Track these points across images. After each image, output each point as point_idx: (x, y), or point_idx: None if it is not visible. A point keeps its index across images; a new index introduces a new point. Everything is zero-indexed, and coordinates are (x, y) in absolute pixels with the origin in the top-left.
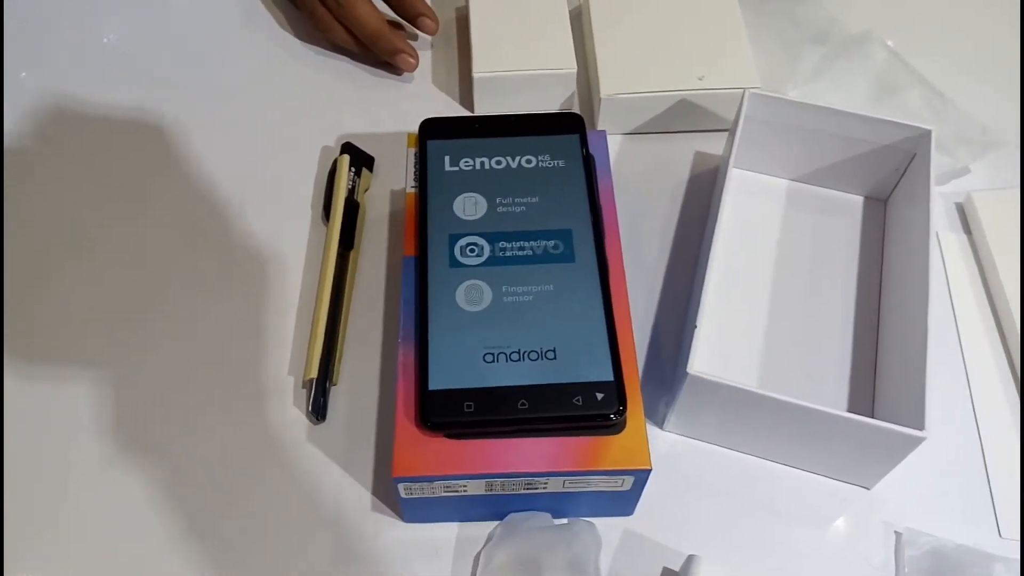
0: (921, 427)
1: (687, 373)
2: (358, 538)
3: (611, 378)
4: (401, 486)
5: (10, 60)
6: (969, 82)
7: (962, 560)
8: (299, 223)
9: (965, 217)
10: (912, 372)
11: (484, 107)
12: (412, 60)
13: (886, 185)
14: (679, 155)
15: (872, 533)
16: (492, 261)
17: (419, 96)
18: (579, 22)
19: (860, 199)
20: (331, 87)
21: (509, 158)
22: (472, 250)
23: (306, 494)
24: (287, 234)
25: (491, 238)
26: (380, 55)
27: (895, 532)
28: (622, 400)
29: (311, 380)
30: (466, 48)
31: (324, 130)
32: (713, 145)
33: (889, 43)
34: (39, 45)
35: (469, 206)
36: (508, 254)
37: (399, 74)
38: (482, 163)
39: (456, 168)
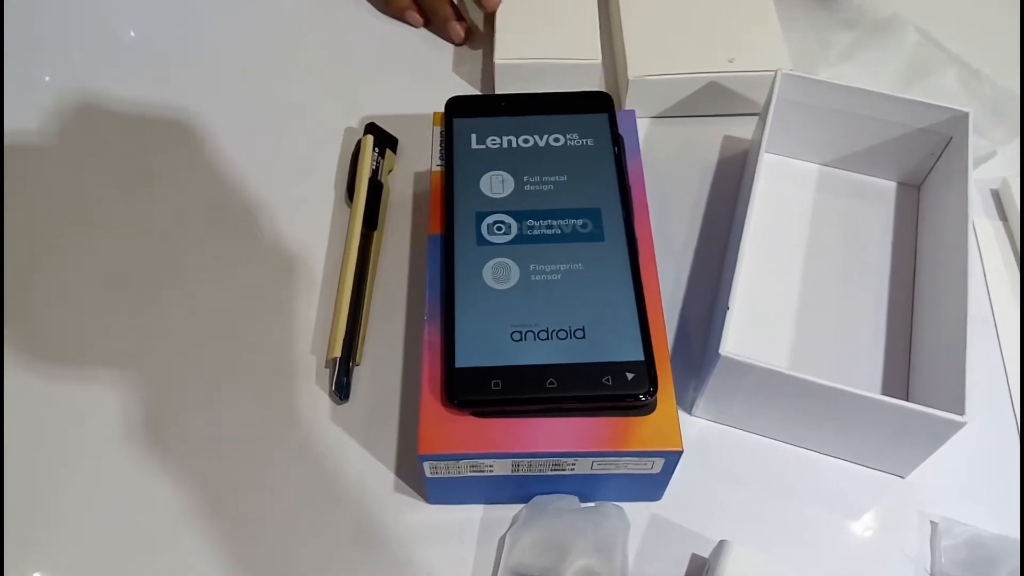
0: (961, 412)
1: (719, 355)
2: (381, 519)
3: (641, 358)
4: (427, 464)
5: (28, 50)
6: (1004, 58)
7: (1000, 550)
8: (323, 203)
9: (1000, 203)
10: (950, 357)
11: None
12: (460, 31)
13: (920, 170)
14: (707, 139)
15: (907, 522)
16: (520, 239)
17: (441, 82)
18: (606, 4)
19: (893, 184)
20: (355, 70)
21: (537, 136)
22: (499, 228)
23: (328, 474)
24: (311, 214)
25: (519, 216)
26: (435, 20)
27: (931, 522)
28: (653, 380)
29: (334, 359)
30: (490, 35)
31: (348, 112)
32: (742, 129)
33: (921, 26)
34: (56, 34)
35: (496, 184)
36: (536, 232)
37: (455, 41)
38: (509, 141)
39: (483, 146)
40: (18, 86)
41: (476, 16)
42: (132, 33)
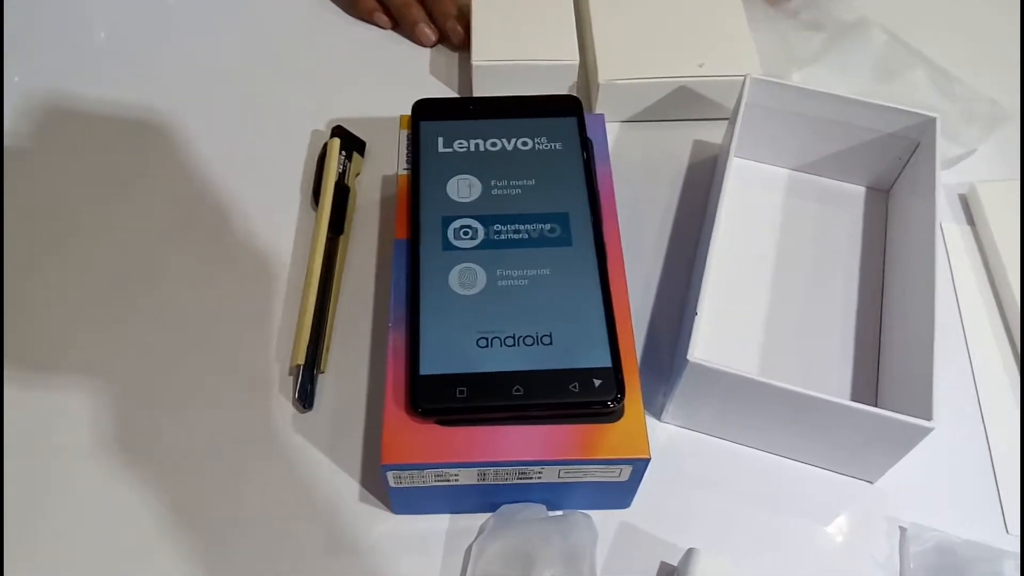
0: (929, 417)
1: (687, 360)
2: (347, 529)
3: (609, 364)
4: (390, 474)
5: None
6: (973, 59)
7: (969, 556)
8: (289, 207)
9: (968, 208)
10: (918, 362)
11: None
12: (429, 33)
13: (889, 175)
14: (677, 143)
15: (876, 528)
16: (486, 244)
17: (415, 84)
18: (578, 7)
19: (862, 189)
20: (324, 72)
21: (504, 140)
22: (466, 233)
23: (294, 484)
24: (276, 219)
25: (485, 221)
26: (402, 23)
27: (900, 527)
28: (620, 387)
29: (298, 367)
30: (466, 36)
31: (315, 114)
32: (712, 134)
33: (887, 27)
34: (26, 35)
35: (463, 188)
36: (503, 237)
37: (425, 44)
38: (477, 145)
39: (450, 150)
40: None
41: None
42: (103, 35)
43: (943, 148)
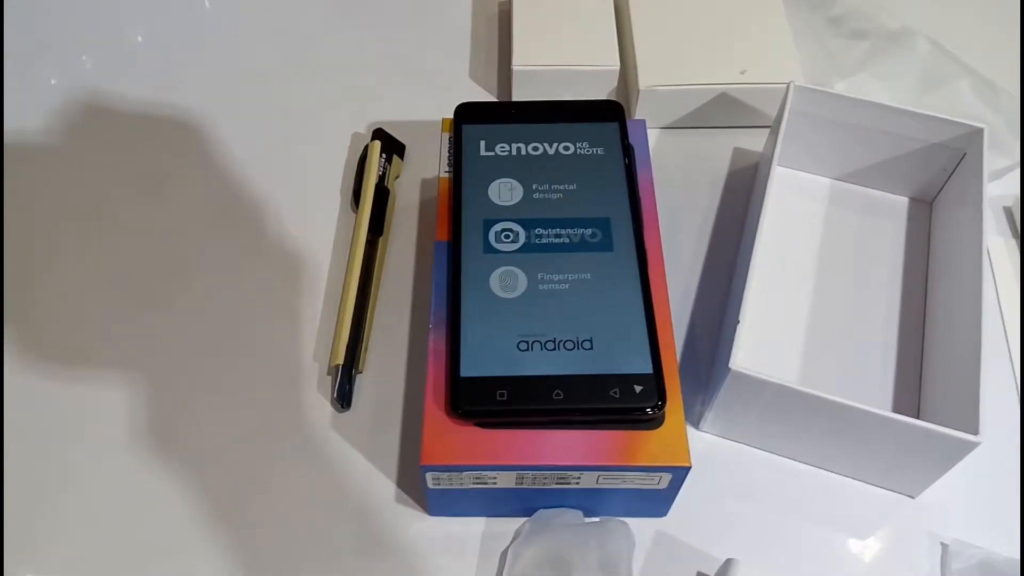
0: (975, 431)
1: (728, 369)
2: (381, 530)
3: (650, 370)
4: (429, 475)
5: (34, 53)
6: (1016, 70)
7: (1012, 574)
8: (328, 209)
9: (1013, 221)
10: (964, 376)
11: None
12: None
13: (933, 186)
14: (717, 151)
15: (917, 544)
16: (527, 248)
17: (455, 88)
18: (618, 13)
19: (905, 200)
20: (365, 76)
21: (546, 144)
22: (507, 236)
23: (329, 483)
24: (316, 219)
25: (527, 224)
26: None
27: (941, 543)
28: (661, 394)
29: (337, 367)
30: (507, 41)
31: (356, 117)
32: (752, 142)
33: (931, 36)
34: (63, 37)
35: (504, 192)
36: (544, 241)
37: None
38: (518, 149)
39: (492, 153)
40: (24, 89)
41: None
42: (140, 38)
43: (988, 160)
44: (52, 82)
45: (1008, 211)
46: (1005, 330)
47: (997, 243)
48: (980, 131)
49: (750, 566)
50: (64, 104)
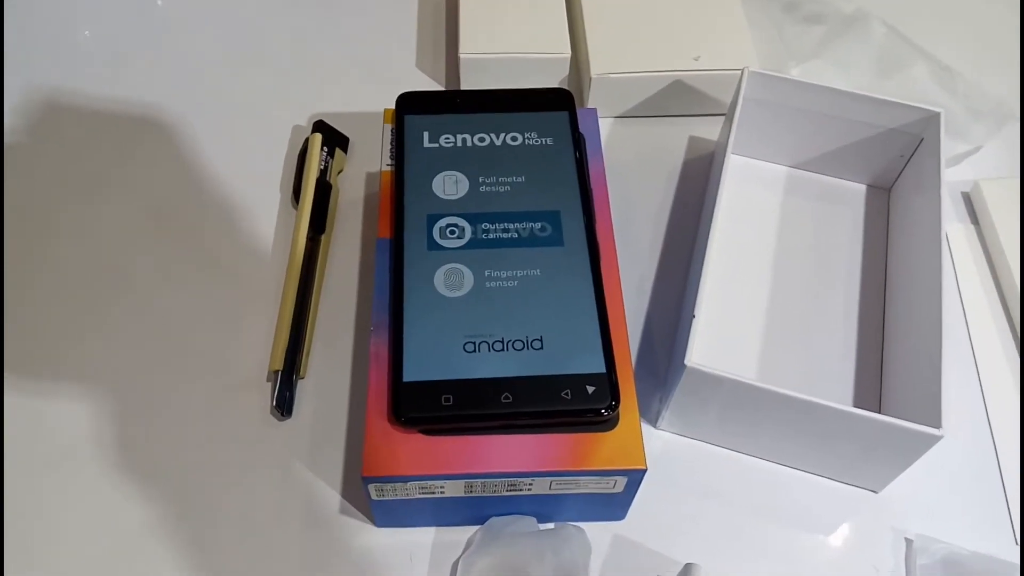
0: (937, 425)
1: (684, 365)
2: (327, 544)
3: (603, 370)
4: (371, 487)
5: None
6: (973, 54)
7: (977, 568)
8: (268, 206)
9: (972, 206)
10: (925, 368)
11: None
12: None
13: (890, 172)
14: (672, 140)
15: (881, 540)
16: (474, 244)
17: (401, 78)
18: (569, 1)
19: (863, 187)
20: (306, 66)
21: (493, 135)
22: (452, 231)
23: (270, 496)
24: (255, 217)
25: (473, 219)
26: None
27: (905, 539)
28: (615, 394)
29: (276, 372)
30: (454, 29)
31: (297, 109)
32: (708, 130)
33: (886, 20)
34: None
35: (449, 185)
36: (491, 236)
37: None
38: (464, 140)
39: (436, 145)
40: None
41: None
42: (87, 32)
43: (946, 145)
44: None
45: (966, 196)
46: (965, 318)
47: (956, 229)
48: (937, 115)
49: (711, 568)
50: (8, 103)
